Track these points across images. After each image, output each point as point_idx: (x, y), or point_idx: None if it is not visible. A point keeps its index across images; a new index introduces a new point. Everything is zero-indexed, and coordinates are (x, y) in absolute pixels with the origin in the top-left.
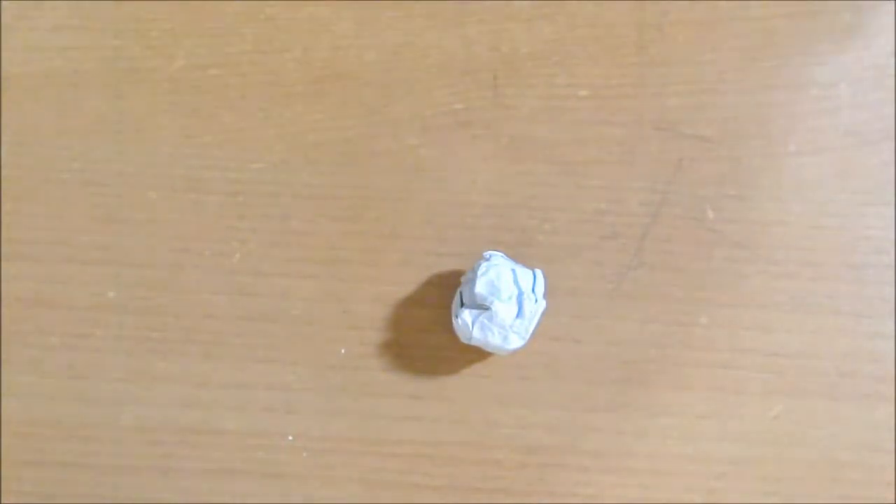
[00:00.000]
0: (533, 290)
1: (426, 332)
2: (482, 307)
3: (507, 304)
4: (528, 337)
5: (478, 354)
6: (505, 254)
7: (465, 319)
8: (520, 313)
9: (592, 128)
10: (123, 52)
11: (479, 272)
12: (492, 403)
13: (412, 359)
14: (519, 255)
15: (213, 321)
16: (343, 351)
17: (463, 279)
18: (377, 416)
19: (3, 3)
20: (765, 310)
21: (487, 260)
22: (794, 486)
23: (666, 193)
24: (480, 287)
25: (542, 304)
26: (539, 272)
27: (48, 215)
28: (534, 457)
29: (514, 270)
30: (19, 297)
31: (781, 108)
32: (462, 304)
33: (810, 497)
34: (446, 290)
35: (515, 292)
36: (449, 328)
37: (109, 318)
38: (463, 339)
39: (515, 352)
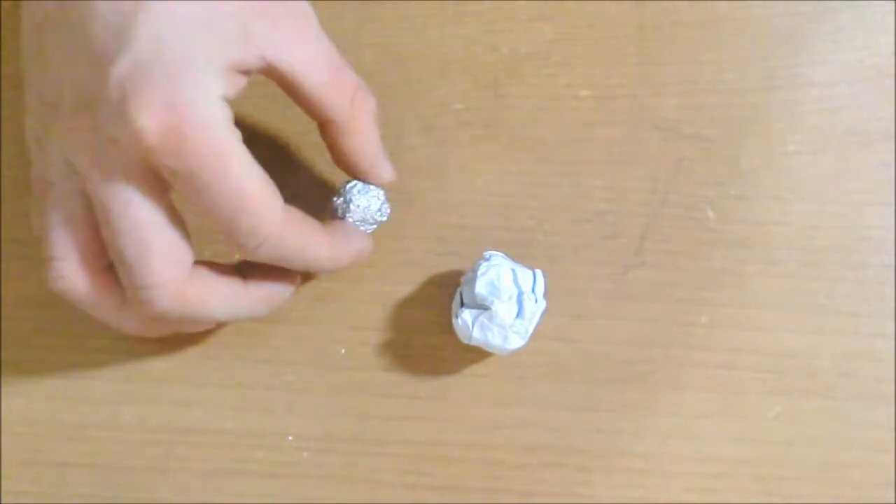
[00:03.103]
0: (533, 290)
1: (426, 332)
2: (482, 307)
3: (507, 304)
4: (528, 337)
5: (478, 354)
6: (505, 254)
7: (465, 319)
8: (520, 313)
9: (592, 128)
10: None
11: (479, 272)
12: (492, 403)
13: (412, 359)
14: (519, 255)
15: None
16: (343, 351)
17: (463, 279)
18: (377, 416)
19: (3, 2)
20: (765, 310)
21: (487, 260)
22: (794, 486)
23: (666, 193)
24: (480, 287)
25: (542, 304)
26: (539, 272)
27: None
28: (534, 457)
29: (514, 270)
30: (19, 297)
31: (781, 108)
32: (462, 304)
33: (810, 497)
34: (446, 290)
35: (515, 292)
36: (449, 328)
37: None
38: (463, 339)
39: (515, 352)
